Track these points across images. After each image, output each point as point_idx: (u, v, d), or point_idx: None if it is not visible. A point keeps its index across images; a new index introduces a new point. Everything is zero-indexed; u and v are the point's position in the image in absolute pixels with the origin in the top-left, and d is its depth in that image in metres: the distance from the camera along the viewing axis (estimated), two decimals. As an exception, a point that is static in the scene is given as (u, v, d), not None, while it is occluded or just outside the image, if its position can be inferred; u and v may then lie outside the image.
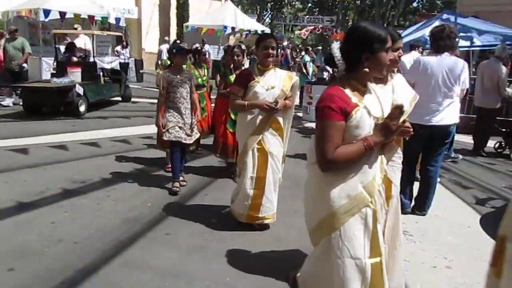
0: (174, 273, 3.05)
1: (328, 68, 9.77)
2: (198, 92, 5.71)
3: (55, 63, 10.66)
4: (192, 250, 3.40)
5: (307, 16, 33.71)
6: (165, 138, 4.55)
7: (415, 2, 36.94)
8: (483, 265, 3.31)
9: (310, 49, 13.79)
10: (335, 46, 2.05)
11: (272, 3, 37.89)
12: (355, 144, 1.93)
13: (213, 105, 6.01)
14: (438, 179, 4.56)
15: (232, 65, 5.24)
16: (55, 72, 10.16)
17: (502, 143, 7.12)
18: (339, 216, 1.97)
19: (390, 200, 2.50)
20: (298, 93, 8.62)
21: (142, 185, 4.87)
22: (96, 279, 2.94)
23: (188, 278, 2.98)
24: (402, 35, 10.64)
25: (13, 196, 4.35)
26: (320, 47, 11.14)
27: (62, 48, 11.00)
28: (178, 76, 4.52)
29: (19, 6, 12.60)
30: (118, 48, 14.70)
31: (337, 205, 1.97)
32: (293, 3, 40.81)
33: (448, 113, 4.01)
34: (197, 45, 6.80)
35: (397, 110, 1.92)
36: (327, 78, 9.74)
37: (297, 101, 7.01)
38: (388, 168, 2.38)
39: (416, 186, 4.32)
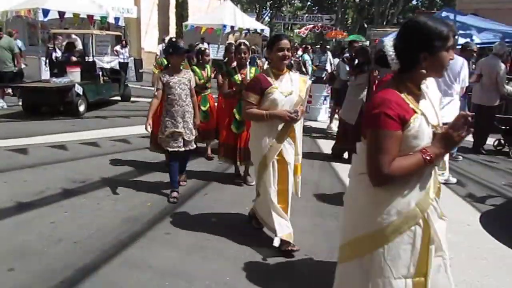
0: (174, 273, 3.05)
1: (327, 67, 9.73)
2: (202, 94, 5.65)
3: (47, 62, 10.63)
4: (192, 249, 3.40)
5: (306, 15, 33.75)
6: (164, 147, 4.37)
7: (414, 0, 36.96)
8: (483, 263, 3.33)
9: (310, 47, 13.78)
10: (388, 43, 1.81)
11: (271, 1, 37.88)
12: (413, 156, 1.73)
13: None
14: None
15: (235, 64, 4.96)
16: (47, 69, 10.11)
17: (502, 140, 7.12)
18: (386, 234, 1.79)
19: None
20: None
21: (142, 184, 4.87)
22: (96, 278, 2.94)
23: (188, 278, 2.98)
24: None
25: (13, 196, 4.35)
26: (318, 46, 11.08)
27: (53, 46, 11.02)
28: (176, 77, 4.25)
29: (18, 6, 12.58)
30: (118, 47, 14.70)
31: (386, 222, 1.79)
32: (292, 1, 40.83)
33: (448, 111, 4.01)
34: (201, 45, 6.64)
35: (462, 119, 1.73)
36: (325, 78, 9.72)
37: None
38: None
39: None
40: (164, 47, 15.46)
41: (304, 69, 11.43)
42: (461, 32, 8.10)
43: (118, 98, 11.07)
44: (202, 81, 5.60)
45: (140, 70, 16.09)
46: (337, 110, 8.06)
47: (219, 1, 23.08)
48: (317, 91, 9.51)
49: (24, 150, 6.11)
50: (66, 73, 9.28)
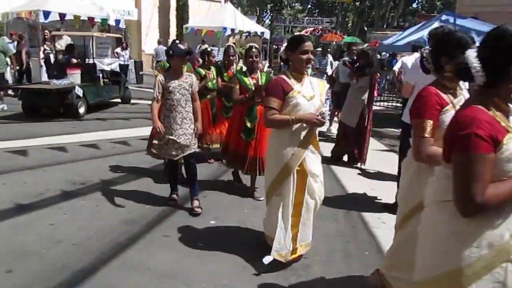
0: (172, 275, 3.06)
1: (328, 71, 9.70)
2: (208, 96, 5.57)
3: (43, 61, 10.64)
4: (190, 252, 3.41)
5: (307, 18, 33.77)
6: (160, 154, 4.24)
7: (415, 3, 37.08)
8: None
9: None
10: (472, 54, 1.60)
11: (272, 4, 37.99)
12: (509, 182, 1.53)
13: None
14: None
15: (244, 68, 4.75)
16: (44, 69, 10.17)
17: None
18: (475, 270, 1.56)
19: None
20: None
21: (141, 187, 4.88)
22: (94, 280, 2.95)
23: (186, 280, 2.99)
24: (401, 36, 10.72)
25: (13, 197, 4.36)
26: (318, 49, 11.06)
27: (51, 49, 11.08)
28: (176, 81, 4.00)
29: (19, 8, 12.61)
30: (118, 49, 14.73)
31: (475, 256, 1.56)
32: (293, 4, 40.92)
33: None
34: (206, 45, 6.56)
35: None
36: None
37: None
38: None
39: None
40: (156, 49, 15.54)
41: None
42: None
43: (118, 100, 11.08)
44: (209, 83, 5.48)
45: (141, 72, 16.12)
46: (336, 113, 8.07)
47: (220, 3, 23.14)
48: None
49: (24, 152, 6.13)
50: (66, 75, 9.30)
